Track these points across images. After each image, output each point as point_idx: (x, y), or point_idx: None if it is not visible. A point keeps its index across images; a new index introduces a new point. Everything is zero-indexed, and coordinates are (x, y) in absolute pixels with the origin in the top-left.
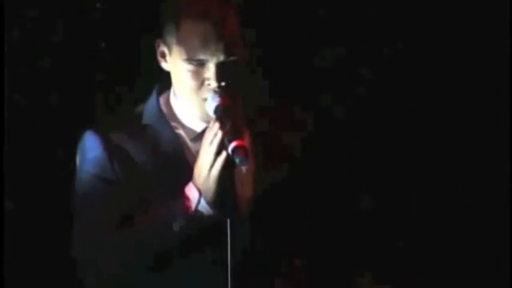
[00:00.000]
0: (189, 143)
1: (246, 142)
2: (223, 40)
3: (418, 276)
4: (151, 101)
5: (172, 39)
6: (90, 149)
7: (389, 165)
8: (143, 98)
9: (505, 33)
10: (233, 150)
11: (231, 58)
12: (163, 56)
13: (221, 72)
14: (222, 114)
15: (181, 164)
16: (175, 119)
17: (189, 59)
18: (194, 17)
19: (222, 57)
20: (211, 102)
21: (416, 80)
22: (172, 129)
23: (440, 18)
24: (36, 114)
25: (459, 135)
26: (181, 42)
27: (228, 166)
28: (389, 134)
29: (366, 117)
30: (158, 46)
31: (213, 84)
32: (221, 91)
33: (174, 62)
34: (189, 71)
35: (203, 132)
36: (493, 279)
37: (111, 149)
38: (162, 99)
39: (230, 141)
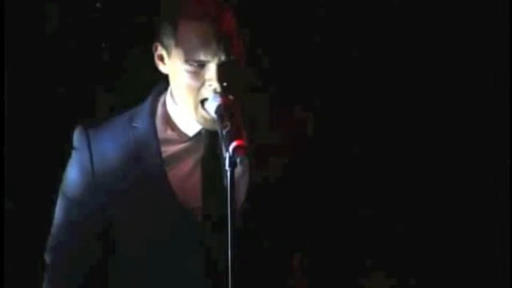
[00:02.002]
0: (175, 147)
1: (246, 142)
2: (223, 40)
3: (418, 274)
4: (146, 103)
5: (170, 41)
6: (75, 148)
7: (388, 165)
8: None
9: (505, 33)
10: (234, 150)
11: (232, 58)
12: (161, 59)
13: (222, 72)
14: (223, 113)
15: (153, 172)
16: (170, 121)
17: (190, 60)
18: (193, 18)
19: (223, 58)
20: (213, 102)
21: (415, 79)
22: (156, 135)
23: (441, 18)
24: (37, 114)
25: (459, 135)
26: (180, 44)
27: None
28: (389, 134)
29: (365, 116)
30: (156, 49)
31: (215, 84)
32: (222, 91)
33: (173, 64)
34: (189, 72)
35: (195, 136)
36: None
37: (93, 150)
38: (159, 101)
39: (231, 141)
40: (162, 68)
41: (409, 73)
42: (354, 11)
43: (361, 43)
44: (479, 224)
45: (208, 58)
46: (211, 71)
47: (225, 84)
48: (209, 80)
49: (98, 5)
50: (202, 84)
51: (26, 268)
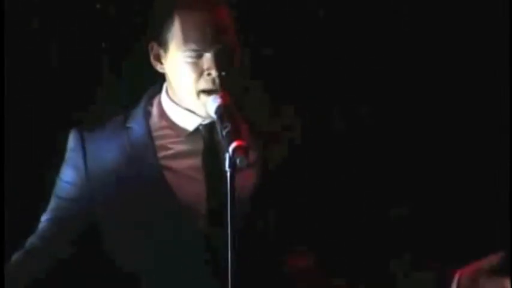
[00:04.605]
0: (173, 146)
1: (246, 141)
2: (219, 29)
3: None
4: (140, 105)
5: (166, 35)
6: (70, 149)
7: (388, 164)
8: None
9: (505, 33)
10: (233, 151)
11: (228, 46)
12: (158, 58)
13: (219, 61)
14: (223, 114)
15: (149, 171)
16: (167, 120)
17: (188, 50)
18: (188, 8)
19: (219, 46)
20: (212, 103)
21: (416, 78)
22: (150, 133)
23: (441, 18)
24: (38, 114)
25: (460, 134)
26: (177, 35)
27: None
28: (390, 133)
29: (359, 113)
30: (152, 49)
31: (213, 73)
32: (220, 81)
33: (172, 58)
34: (188, 62)
35: (195, 130)
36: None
37: (87, 151)
38: (154, 102)
39: (231, 142)
40: (159, 67)
41: (410, 72)
42: (354, 10)
43: (361, 42)
44: (480, 226)
45: (205, 47)
46: (209, 59)
47: (223, 73)
48: (208, 69)
49: (98, 5)
50: (201, 74)
51: None
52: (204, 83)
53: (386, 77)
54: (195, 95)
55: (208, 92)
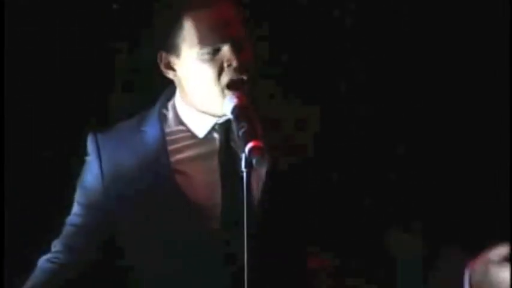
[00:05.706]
0: (188, 149)
1: (262, 142)
2: (229, 23)
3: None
4: (155, 108)
5: (177, 40)
6: (88, 154)
7: (395, 162)
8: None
9: (505, 33)
10: (250, 151)
11: (239, 40)
12: (169, 66)
13: (238, 51)
14: (239, 114)
15: (162, 175)
16: (181, 122)
17: (204, 47)
18: (196, 8)
19: (233, 38)
20: (229, 103)
21: (419, 77)
22: (164, 137)
23: (441, 18)
24: (40, 115)
25: (460, 135)
26: (190, 36)
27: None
28: (395, 133)
29: (371, 111)
30: (161, 59)
31: (235, 63)
32: (240, 70)
33: (186, 62)
34: (205, 60)
35: (210, 133)
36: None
37: (102, 155)
38: (169, 105)
39: (247, 142)
40: (172, 75)
41: (412, 72)
42: (357, 11)
43: (362, 41)
44: (481, 224)
45: (221, 41)
46: (227, 52)
47: (244, 62)
48: (228, 61)
49: (114, 5)
50: (221, 68)
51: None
52: (228, 75)
53: (389, 78)
54: (218, 92)
55: (233, 86)
